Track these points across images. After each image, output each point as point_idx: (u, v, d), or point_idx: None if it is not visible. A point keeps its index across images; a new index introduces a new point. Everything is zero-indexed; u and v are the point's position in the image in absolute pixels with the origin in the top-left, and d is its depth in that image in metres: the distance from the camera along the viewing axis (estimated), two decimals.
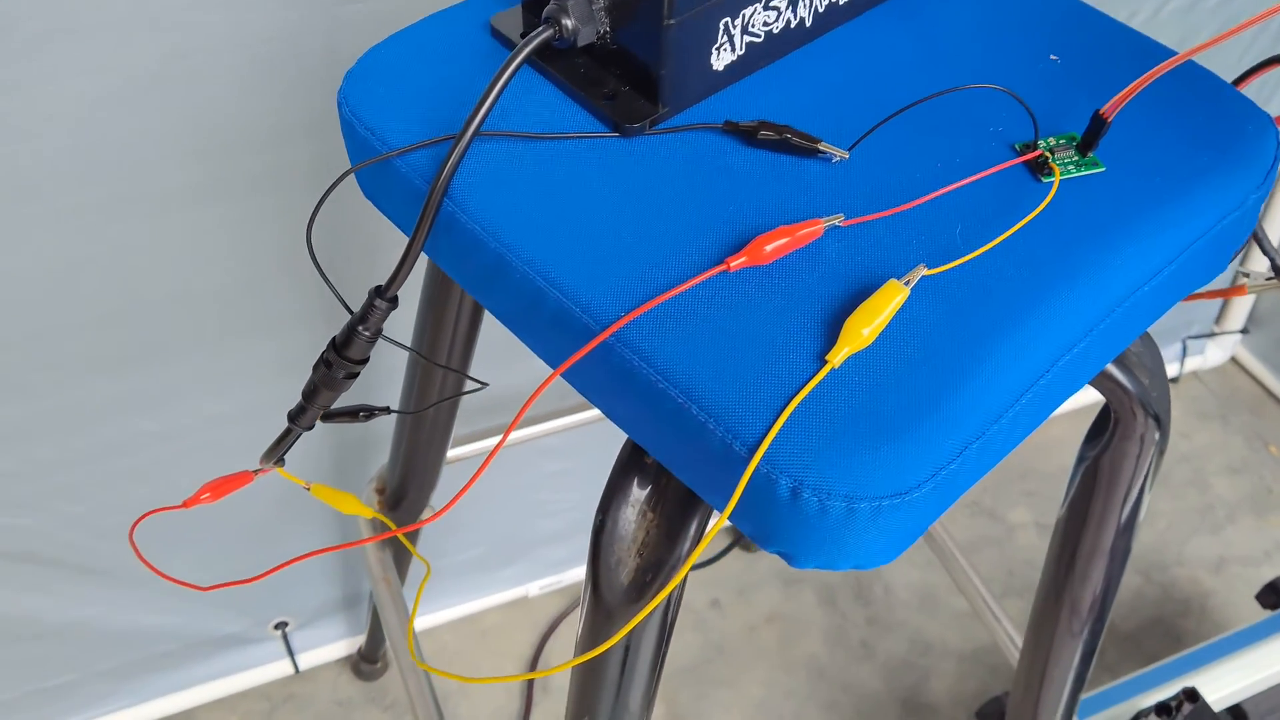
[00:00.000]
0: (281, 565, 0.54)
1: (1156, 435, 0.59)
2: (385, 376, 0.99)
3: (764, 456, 0.41)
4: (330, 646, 1.27)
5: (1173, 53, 0.52)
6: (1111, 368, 0.56)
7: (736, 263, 0.45)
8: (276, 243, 0.86)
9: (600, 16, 0.49)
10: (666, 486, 0.50)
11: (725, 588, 1.37)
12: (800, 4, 0.53)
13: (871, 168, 0.49)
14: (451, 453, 0.94)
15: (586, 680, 0.56)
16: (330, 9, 0.74)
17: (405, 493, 0.93)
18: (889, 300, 0.43)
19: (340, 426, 1.04)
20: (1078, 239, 0.47)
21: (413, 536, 1.00)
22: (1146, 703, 0.91)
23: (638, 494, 0.50)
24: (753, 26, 0.51)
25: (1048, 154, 0.48)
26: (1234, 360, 1.63)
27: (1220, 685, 1.00)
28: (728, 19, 0.50)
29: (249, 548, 1.09)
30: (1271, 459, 1.52)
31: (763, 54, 0.53)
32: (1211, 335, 1.58)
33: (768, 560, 1.41)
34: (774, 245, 0.45)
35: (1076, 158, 0.49)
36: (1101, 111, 0.48)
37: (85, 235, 0.79)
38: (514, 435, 1.01)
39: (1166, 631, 1.35)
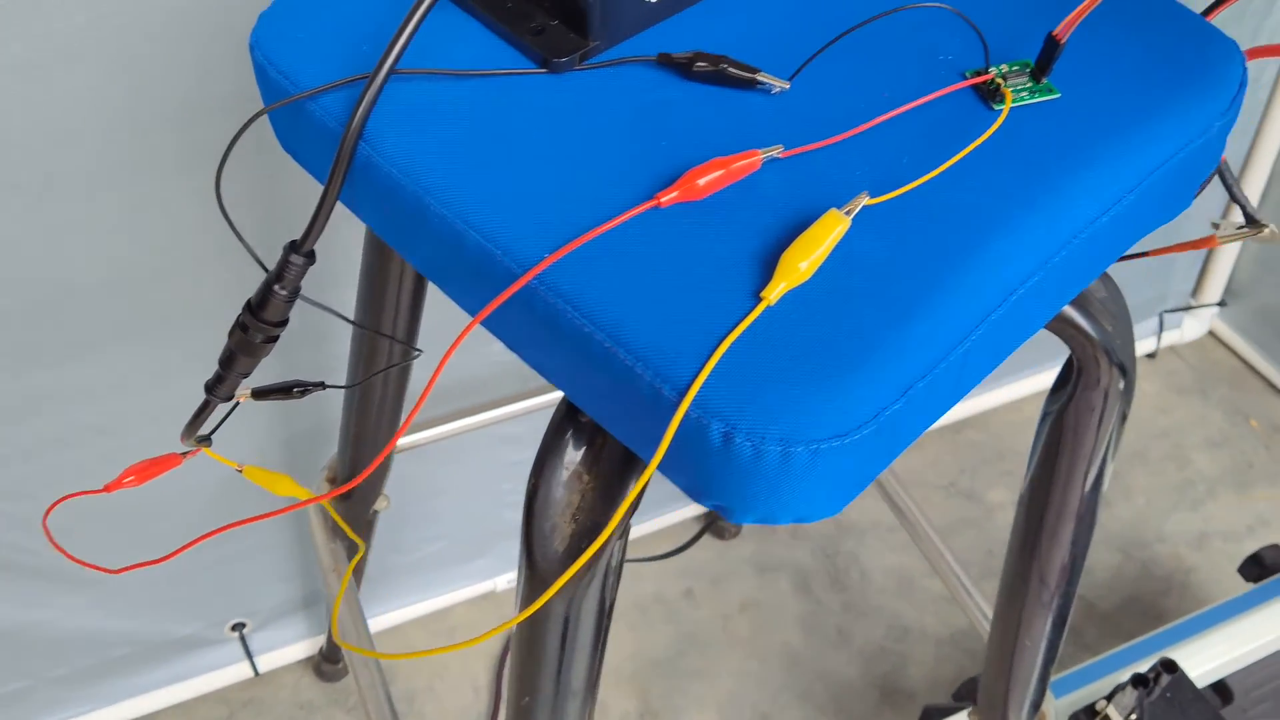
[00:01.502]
0: (190, 544, 0.51)
1: (1121, 384, 0.56)
2: (341, 363, 0.95)
3: (694, 401, 0.38)
4: (291, 648, 1.23)
5: None
6: (1074, 313, 0.54)
7: (668, 198, 0.42)
8: (211, 221, 0.82)
9: None
10: (602, 447, 0.47)
11: (698, 577, 1.34)
12: None
13: (815, 98, 0.46)
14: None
15: (527, 656, 0.53)
16: None
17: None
18: (828, 232, 0.40)
19: (291, 417, 1.00)
20: (1032, 167, 0.44)
21: (368, 527, 0.97)
22: (1125, 678, 0.89)
23: (572, 456, 0.47)
24: None
25: (999, 79, 0.46)
26: (1212, 334, 1.60)
27: (1202, 660, 0.97)
28: None
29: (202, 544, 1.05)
30: (1252, 432, 1.50)
31: None
32: (1188, 309, 1.56)
33: (741, 548, 1.37)
34: (708, 179, 0.42)
35: (1030, 84, 0.46)
36: (1054, 33, 0.45)
37: (11, 217, 0.75)
38: (472, 421, 0.98)
39: (1147, 610, 1.32)
